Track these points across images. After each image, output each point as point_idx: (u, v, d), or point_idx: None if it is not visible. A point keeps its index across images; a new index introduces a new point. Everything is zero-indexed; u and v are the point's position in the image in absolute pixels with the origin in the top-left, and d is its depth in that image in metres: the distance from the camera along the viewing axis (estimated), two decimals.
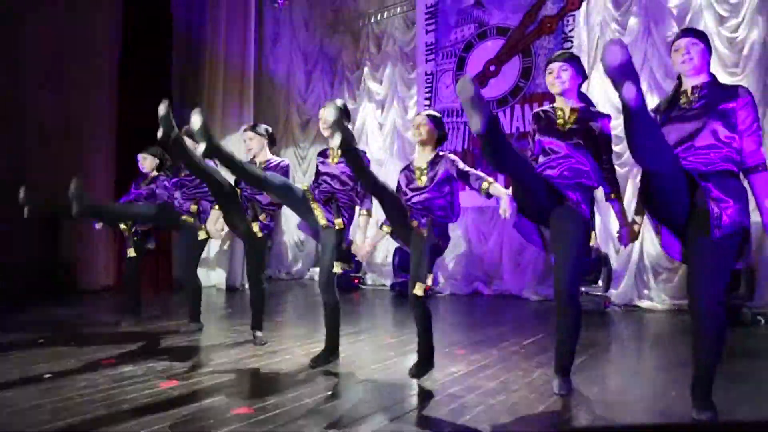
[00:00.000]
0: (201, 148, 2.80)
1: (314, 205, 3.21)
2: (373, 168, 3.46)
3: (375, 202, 3.11)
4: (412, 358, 3.25)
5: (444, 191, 2.96)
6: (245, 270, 7.24)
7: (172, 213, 4.31)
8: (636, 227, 2.59)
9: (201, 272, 6.96)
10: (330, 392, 2.76)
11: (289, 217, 8.13)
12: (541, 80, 6.19)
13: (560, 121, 2.61)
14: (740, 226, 2.18)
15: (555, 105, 2.69)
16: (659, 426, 1.08)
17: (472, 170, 2.96)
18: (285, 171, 3.81)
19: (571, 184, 2.54)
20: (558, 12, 6.25)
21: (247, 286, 7.26)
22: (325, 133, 3.31)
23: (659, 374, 3.17)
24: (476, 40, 6.90)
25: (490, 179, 2.88)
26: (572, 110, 2.61)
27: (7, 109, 6.19)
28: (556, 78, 2.60)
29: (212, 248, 7.24)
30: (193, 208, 4.22)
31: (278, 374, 3.07)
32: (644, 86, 5.58)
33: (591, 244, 2.60)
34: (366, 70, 8.00)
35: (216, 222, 3.99)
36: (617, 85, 1.85)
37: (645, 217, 2.55)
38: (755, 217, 2.32)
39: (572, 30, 6.14)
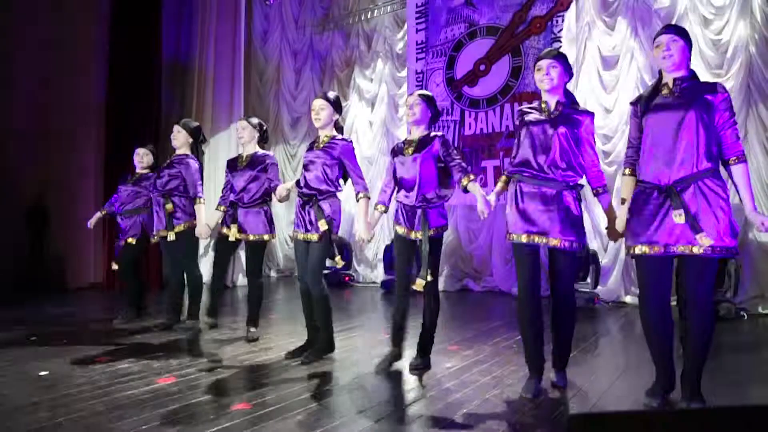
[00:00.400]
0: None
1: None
2: (363, 166, 3.50)
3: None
4: (407, 354, 3.30)
5: (430, 166, 3.03)
6: (233, 268, 7.29)
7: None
8: (623, 223, 2.63)
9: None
10: (327, 387, 2.80)
11: (279, 215, 8.12)
12: (531, 79, 6.27)
13: (545, 112, 2.68)
14: (730, 226, 2.28)
15: (542, 99, 2.74)
16: (659, 412, 1.13)
17: (458, 160, 3.01)
18: (272, 165, 3.84)
19: (559, 184, 2.59)
20: (547, 12, 6.32)
21: (238, 283, 7.36)
22: (317, 124, 3.34)
23: (648, 367, 3.24)
24: (466, 40, 6.96)
25: (472, 176, 2.96)
26: (558, 103, 2.68)
27: None
28: (545, 75, 2.65)
29: (201, 247, 7.22)
30: (168, 207, 4.15)
31: (274, 370, 3.09)
32: (631, 86, 5.68)
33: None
34: (356, 68, 8.02)
35: (204, 221, 4.01)
36: None
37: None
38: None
39: (561, 30, 6.21)
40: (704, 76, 5.21)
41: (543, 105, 2.70)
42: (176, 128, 4.35)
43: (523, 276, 2.63)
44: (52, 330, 4.19)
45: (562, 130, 2.59)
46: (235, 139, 7.27)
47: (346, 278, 7.50)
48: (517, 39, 6.55)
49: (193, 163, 4.24)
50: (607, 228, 2.69)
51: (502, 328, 4.28)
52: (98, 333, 4.15)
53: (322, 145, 3.29)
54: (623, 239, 2.56)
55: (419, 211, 3.04)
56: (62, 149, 6.77)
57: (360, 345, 3.77)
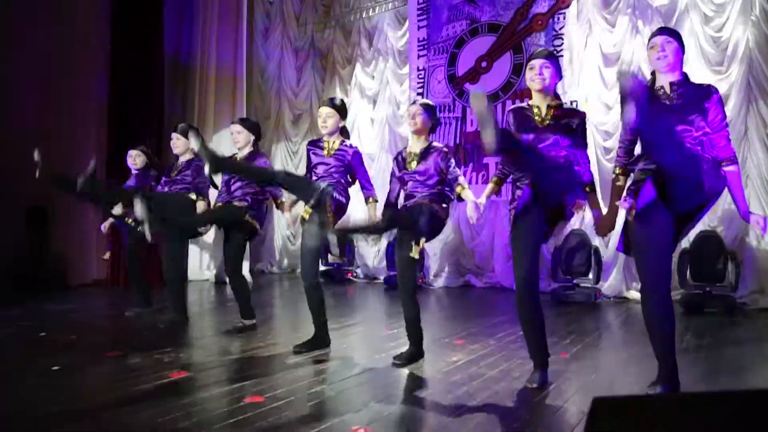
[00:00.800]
0: (206, 168, 3.00)
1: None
2: (365, 163, 3.56)
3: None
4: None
5: (433, 179, 3.11)
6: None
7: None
8: (612, 218, 2.63)
9: (194, 266, 7.03)
10: (336, 381, 2.84)
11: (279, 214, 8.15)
12: None
13: (537, 118, 2.68)
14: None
15: (531, 102, 2.75)
16: (681, 396, 1.17)
17: (455, 172, 3.12)
18: (265, 159, 3.96)
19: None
20: (549, 9, 6.35)
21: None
22: (323, 131, 3.42)
23: (649, 362, 3.29)
24: (468, 37, 6.99)
25: (465, 185, 3.11)
26: (549, 107, 2.69)
27: None
28: (537, 74, 2.67)
29: (204, 242, 7.26)
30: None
31: (285, 364, 3.13)
32: None
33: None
34: (357, 65, 8.05)
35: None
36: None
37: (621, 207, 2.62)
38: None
39: (562, 27, 6.25)
40: (705, 73, 5.25)
41: (535, 110, 2.70)
42: (174, 136, 4.37)
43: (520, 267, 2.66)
44: (59, 326, 4.22)
45: (553, 138, 2.61)
46: None
47: (349, 274, 7.54)
48: (518, 36, 6.58)
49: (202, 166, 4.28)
50: (595, 225, 2.69)
51: (506, 323, 4.32)
52: (105, 328, 4.18)
53: (333, 152, 3.37)
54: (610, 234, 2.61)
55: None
56: (63, 148, 6.76)
57: (365, 340, 3.81)
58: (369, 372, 2.99)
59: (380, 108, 7.79)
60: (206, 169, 3.04)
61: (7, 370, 2.98)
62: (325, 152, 3.39)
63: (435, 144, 3.20)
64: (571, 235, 5.63)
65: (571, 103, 5.74)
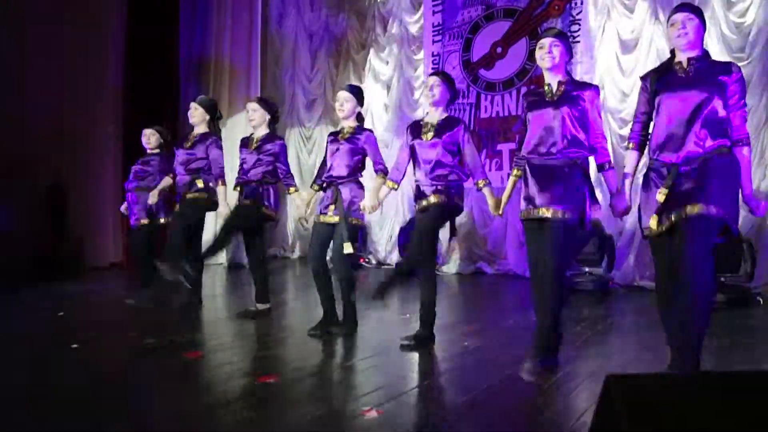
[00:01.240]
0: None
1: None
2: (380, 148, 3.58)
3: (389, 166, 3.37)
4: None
5: (452, 149, 3.08)
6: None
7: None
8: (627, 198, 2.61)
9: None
10: (348, 363, 2.87)
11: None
12: None
13: (549, 96, 2.68)
14: (726, 210, 2.27)
15: (544, 81, 2.75)
16: (692, 375, 1.17)
17: (476, 157, 3.12)
18: (281, 150, 3.91)
19: (564, 161, 2.60)
20: None
21: None
22: (341, 115, 3.44)
23: (662, 350, 3.28)
24: (483, 22, 6.91)
25: (488, 180, 3.14)
26: (560, 83, 2.68)
27: (11, 106, 6.14)
28: (547, 53, 2.66)
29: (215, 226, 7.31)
30: (200, 183, 4.17)
31: (296, 345, 3.18)
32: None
33: (592, 217, 2.68)
34: (372, 50, 8.00)
35: (226, 199, 4.08)
36: None
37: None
38: None
39: (580, 13, 6.16)
40: (725, 58, 5.13)
41: (546, 88, 2.70)
42: (193, 105, 4.35)
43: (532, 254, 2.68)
44: (76, 308, 4.30)
45: (566, 110, 2.60)
46: None
47: (361, 260, 7.57)
48: (534, 21, 6.50)
49: (219, 145, 4.26)
50: (611, 204, 2.67)
51: (517, 310, 4.33)
52: (121, 310, 4.25)
53: (347, 136, 3.42)
54: (628, 216, 2.58)
55: (432, 189, 3.08)
56: (79, 131, 6.82)
57: (376, 325, 3.84)
58: (381, 355, 3.01)
59: (394, 93, 7.75)
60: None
61: (27, 348, 3.05)
62: (340, 136, 3.46)
63: (453, 117, 3.17)
64: None
65: None
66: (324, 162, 3.55)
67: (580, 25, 6.14)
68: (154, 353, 2.97)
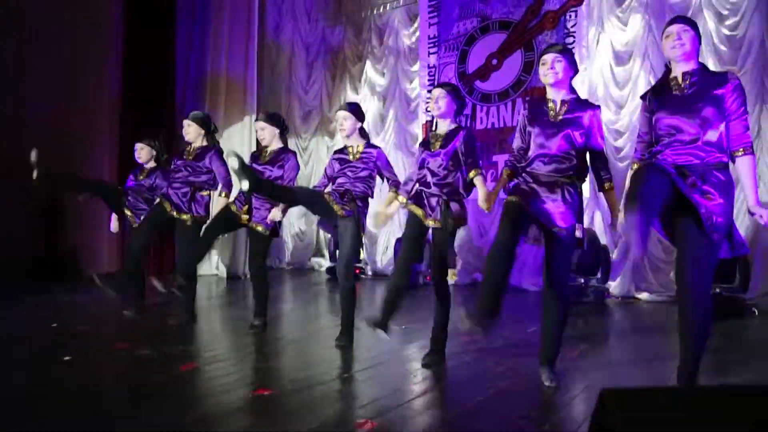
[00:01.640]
0: (244, 185, 3.01)
1: (330, 199, 3.33)
2: None
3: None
4: (420, 344, 3.35)
5: (456, 161, 3.03)
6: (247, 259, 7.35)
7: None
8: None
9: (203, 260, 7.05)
10: (346, 375, 2.85)
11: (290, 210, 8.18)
12: None
13: (551, 113, 2.67)
14: (729, 223, 2.29)
15: (547, 96, 2.73)
16: (689, 388, 1.17)
17: (474, 152, 3.05)
18: (289, 165, 3.91)
19: (560, 180, 2.60)
20: (560, 7, 6.32)
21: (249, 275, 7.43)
22: (341, 134, 3.47)
23: (658, 362, 3.28)
24: (478, 34, 6.97)
25: (480, 170, 3.02)
26: (563, 102, 2.68)
27: (11, 106, 6.14)
28: (549, 69, 2.65)
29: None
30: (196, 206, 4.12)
31: (291, 357, 3.16)
32: (644, 82, 5.67)
33: (578, 235, 2.67)
34: (368, 62, 8.05)
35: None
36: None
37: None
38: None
39: (574, 25, 6.22)
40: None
41: (550, 105, 2.69)
42: (186, 123, 4.29)
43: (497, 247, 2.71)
44: (69, 317, 4.27)
45: (568, 132, 2.60)
46: (248, 131, 7.36)
47: (357, 270, 7.54)
48: (529, 33, 6.56)
49: (221, 156, 4.22)
50: (611, 223, 2.68)
51: (513, 321, 4.32)
52: (115, 320, 4.22)
53: (358, 156, 3.42)
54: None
55: (440, 201, 3.03)
56: (76, 143, 6.81)
57: (372, 336, 3.81)
58: (377, 367, 3.00)
59: (390, 105, 7.79)
60: (243, 186, 3.02)
61: (20, 359, 3.02)
62: (351, 156, 3.45)
63: (459, 127, 3.12)
64: None
65: None
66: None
67: (574, 37, 6.20)
68: (149, 364, 2.95)
